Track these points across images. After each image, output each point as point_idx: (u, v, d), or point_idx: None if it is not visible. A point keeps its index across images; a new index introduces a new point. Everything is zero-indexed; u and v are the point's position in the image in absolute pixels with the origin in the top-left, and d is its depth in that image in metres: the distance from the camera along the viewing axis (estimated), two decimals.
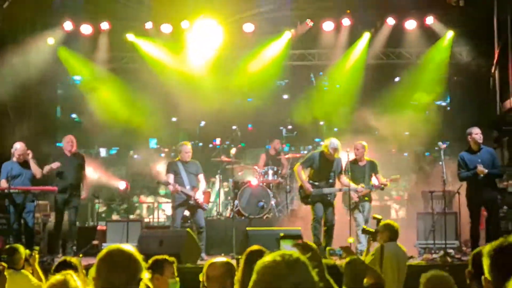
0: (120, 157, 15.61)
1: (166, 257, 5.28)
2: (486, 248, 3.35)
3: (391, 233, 7.79)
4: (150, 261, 5.15)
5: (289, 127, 16.82)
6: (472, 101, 14.57)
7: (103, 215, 16.12)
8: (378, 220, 8.17)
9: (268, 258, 2.32)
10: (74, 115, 16.68)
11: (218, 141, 17.14)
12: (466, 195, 10.89)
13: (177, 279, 5.25)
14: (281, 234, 3.07)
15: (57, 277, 4.10)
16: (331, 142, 11.03)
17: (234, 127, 15.67)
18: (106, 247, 3.31)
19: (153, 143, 17.32)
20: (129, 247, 3.30)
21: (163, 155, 13.72)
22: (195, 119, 16.76)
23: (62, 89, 16.94)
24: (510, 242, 2.97)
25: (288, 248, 2.98)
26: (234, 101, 16.51)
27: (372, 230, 7.52)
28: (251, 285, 2.29)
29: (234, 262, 4.79)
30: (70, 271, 4.65)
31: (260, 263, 2.32)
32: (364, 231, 7.53)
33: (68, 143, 11.97)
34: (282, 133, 16.15)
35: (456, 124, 13.55)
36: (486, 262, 3.22)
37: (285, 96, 17.61)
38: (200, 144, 17.64)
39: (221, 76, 15.57)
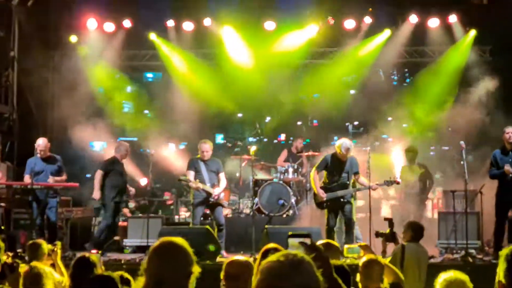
0: (188, 152, 15.52)
1: None
2: (503, 252, 3.33)
3: (415, 232, 7.74)
4: None
5: (356, 123, 16.72)
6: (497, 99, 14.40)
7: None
8: (390, 221, 8.13)
9: (272, 258, 2.31)
10: (146, 111, 16.83)
11: (282, 136, 17.11)
12: (495, 194, 10.83)
13: None
14: (290, 233, 3.06)
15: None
16: (343, 142, 11.01)
17: (299, 123, 15.60)
18: (159, 239, 3.32)
19: (219, 139, 17.31)
20: (182, 240, 3.30)
21: (253, 149, 13.62)
22: (260, 115, 16.75)
23: (136, 86, 17.09)
24: None
25: (295, 249, 2.95)
26: (299, 96, 16.54)
27: (385, 232, 7.49)
28: (255, 285, 2.29)
29: (252, 260, 4.80)
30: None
31: (264, 263, 2.31)
32: (377, 234, 7.48)
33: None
34: (348, 129, 16.08)
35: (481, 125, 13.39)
36: (502, 266, 3.20)
37: (352, 92, 17.40)
38: (265, 139, 17.60)
39: (286, 71, 15.57)
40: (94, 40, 15.63)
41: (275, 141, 17.75)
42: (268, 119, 17.86)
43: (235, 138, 17.08)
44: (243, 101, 15.82)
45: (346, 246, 6.29)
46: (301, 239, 3.02)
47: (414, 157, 12.77)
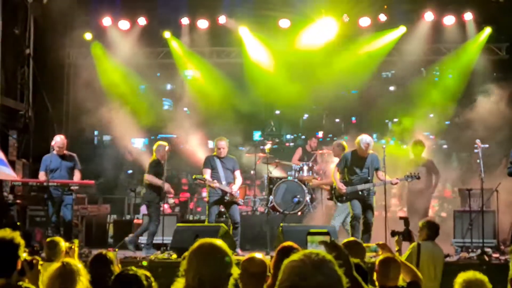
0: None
1: None
2: None
3: (431, 231, 7.73)
4: None
5: (395, 120, 16.63)
6: None
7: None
8: (406, 220, 8.10)
9: (294, 257, 2.33)
10: (185, 108, 16.93)
11: (320, 134, 17.06)
12: None
13: None
14: (311, 230, 3.06)
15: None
16: (363, 138, 10.95)
17: (337, 120, 15.41)
18: (199, 241, 3.34)
19: (257, 136, 17.27)
20: (221, 242, 3.34)
21: (267, 146, 13.62)
22: (298, 112, 16.74)
23: (175, 84, 17.13)
24: None
25: (315, 247, 2.96)
26: (338, 93, 16.51)
27: (400, 231, 7.47)
28: (278, 284, 2.30)
29: (268, 258, 4.80)
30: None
31: (286, 262, 2.33)
32: (393, 233, 7.46)
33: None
34: (388, 126, 15.96)
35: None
36: None
37: (392, 88, 17.24)
38: (303, 136, 17.55)
39: (323, 68, 15.59)
40: (109, 38, 15.67)
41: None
42: (306, 116, 17.76)
43: (273, 135, 17.00)
44: (278, 98, 15.65)
45: (364, 244, 6.28)
46: (320, 237, 3.02)
47: (420, 151, 12.57)
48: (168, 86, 17.02)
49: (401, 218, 8.47)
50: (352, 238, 5.73)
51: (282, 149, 17.85)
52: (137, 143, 14.97)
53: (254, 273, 4.25)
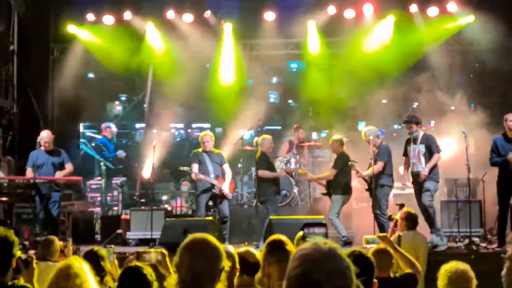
0: (326, 141, 15.15)
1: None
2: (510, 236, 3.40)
3: (409, 222, 7.78)
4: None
5: None
6: (495, 88, 14.38)
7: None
8: (401, 206, 8.18)
9: (304, 246, 2.38)
10: (290, 101, 16.85)
11: (432, 124, 16.77)
12: (496, 182, 10.76)
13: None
14: (307, 223, 3.11)
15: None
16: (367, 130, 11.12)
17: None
18: (189, 236, 3.37)
19: (362, 126, 16.85)
20: (211, 237, 3.37)
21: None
22: (407, 101, 16.49)
23: (281, 77, 17.10)
24: None
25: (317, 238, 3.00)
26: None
27: (397, 218, 7.52)
28: (288, 273, 2.34)
29: (257, 251, 4.82)
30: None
31: (296, 252, 2.37)
32: (390, 218, 7.53)
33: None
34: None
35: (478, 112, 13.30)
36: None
37: None
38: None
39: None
40: (93, 32, 15.56)
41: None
42: (415, 104, 17.20)
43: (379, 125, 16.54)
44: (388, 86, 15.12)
45: (365, 236, 6.32)
46: (316, 228, 3.05)
47: None
48: (274, 79, 16.85)
49: (397, 204, 8.56)
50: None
51: None
52: (246, 135, 14.89)
53: (250, 266, 4.27)
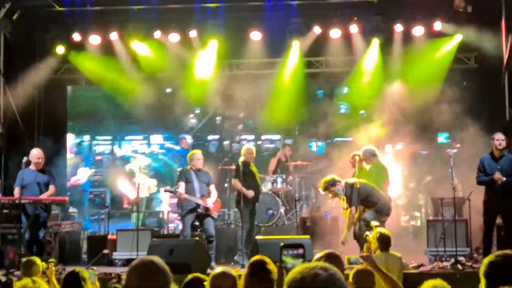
0: (403, 154, 14.74)
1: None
2: (482, 267, 3.48)
3: (381, 243, 7.76)
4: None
5: None
6: (482, 106, 14.43)
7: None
8: (374, 227, 8.17)
9: (297, 270, 2.40)
10: (362, 111, 16.54)
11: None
12: (483, 201, 10.82)
13: None
14: (282, 244, 3.13)
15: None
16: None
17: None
18: (138, 258, 3.44)
19: (442, 138, 16.56)
20: (159, 259, 3.41)
21: (453, 151, 12.22)
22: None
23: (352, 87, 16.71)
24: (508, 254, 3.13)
25: (291, 262, 3.03)
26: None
27: (370, 239, 7.53)
28: None
29: (243, 271, 4.80)
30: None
31: (290, 275, 2.40)
32: (364, 239, 7.52)
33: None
34: None
35: (467, 131, 13.34)
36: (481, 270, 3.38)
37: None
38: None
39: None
40: (81, 52, 15.54)
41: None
42: None
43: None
44: None
45: (347, 256, 6.27)
46: (294, 250, 3.06)
47: None
48: (345, 89, 16.70)
49: (371, 226, 8.55)
50: (328, 250, 5.70)
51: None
52: (313, 147, 14.80)
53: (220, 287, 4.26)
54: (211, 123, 17.52)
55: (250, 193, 11.64)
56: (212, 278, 4.37)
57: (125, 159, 17.26)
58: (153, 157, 17.19)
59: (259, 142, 17.41)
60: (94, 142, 17.62)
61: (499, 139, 10.71)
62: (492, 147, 10.85)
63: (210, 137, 17.61)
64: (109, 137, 17.67)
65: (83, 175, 16.70)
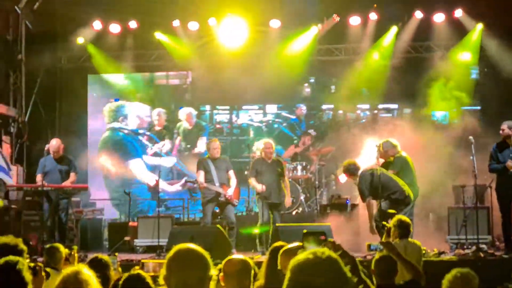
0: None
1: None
2: None
3: (401, 229, 7.71)
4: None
5: None
6: (503, 96, 14.28)
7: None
8: (392, 215, 8.12)
9: (300, 256, 2.39)
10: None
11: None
12: (495, 189, 10.76)
13: None
14: (305, 231, 3.12)
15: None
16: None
17: None
18: (175, 247, 3.36)
19: None
20: (196, 246, 3.35)
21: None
22: None
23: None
24: None
25: (312, 248, 3.02)
26: None
27: (390, 225, 7.50)
28: (286, 284, 2.36)
29: (263, 258, 4.81)
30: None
31: (293, 261, 2.39)
32: (382, 227, 7.49)
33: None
34: None
35: (486, 119, 13.22)
36: None
37: None
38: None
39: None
40: (100, 41, 15.64)
41: None
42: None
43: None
44: None
45: (367, 242, 6.28)
46: (316, 237, 3.06)
47: None
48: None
49: (389, 213, 8.52)
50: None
51: None
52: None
53: (230, 274, 4.25)
54: (325, 93, 16.91)
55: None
56: (223, 263, 4.40)
57: (243, 127, 17.16)
58: (268, 126, 17.07)
59: (375, 112, 16.96)
60: (215, 111, 17.49)
61: (502, 128, 10.63)
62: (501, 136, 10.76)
63: (324, 107, 17.13)
64: (227, 107, 17.44)
65: (202, 145, 16.64)
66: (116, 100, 16.35)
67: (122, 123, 16.46)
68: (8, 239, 4.34)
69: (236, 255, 4.56)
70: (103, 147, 16.50)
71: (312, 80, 17.24)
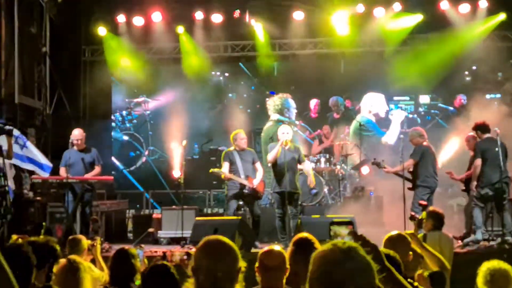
0: None
1: None
2: None
3: (436, 221, 7.66)
4: None
5: None
6: None
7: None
8: (424, 207, 8.07)
9: (323, 247, 2.39)
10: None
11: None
12: None
13: None
14: (335, 220, 3.12)
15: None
16: None
17: None
18: (203, 239, 3.35)
19: None
20: (225, 238, 3.35)
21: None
22: None
23: None
24: None
25: (341, 232, 3.04)
26: None
27: (420, 217, 7.46)
28: (309, 275, 2.36)
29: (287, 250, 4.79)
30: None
31: (316, 253, 2.39)
32: (411, 218, 7.45)
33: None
34: None
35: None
36: None
37: None
38: None
39: None
40: (124, 34, 15.69)
41: None
42: None
43: None
44: None
45: (388, 234, 6.22)
46: (343, 227, 3.06)
47: None
48: None
49: (420, 205, 8.46)
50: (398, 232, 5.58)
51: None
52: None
53: (272, 267, 4.22)
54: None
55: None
56: (260, 256, 4.35)
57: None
58: (421, 118, 16.45)
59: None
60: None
61: None
62: None
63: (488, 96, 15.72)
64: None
65: None
66: (272, 93, 15.83)
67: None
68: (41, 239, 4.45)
69: (275, 247, 4.53)
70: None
71: (474, 67, 16.30)
